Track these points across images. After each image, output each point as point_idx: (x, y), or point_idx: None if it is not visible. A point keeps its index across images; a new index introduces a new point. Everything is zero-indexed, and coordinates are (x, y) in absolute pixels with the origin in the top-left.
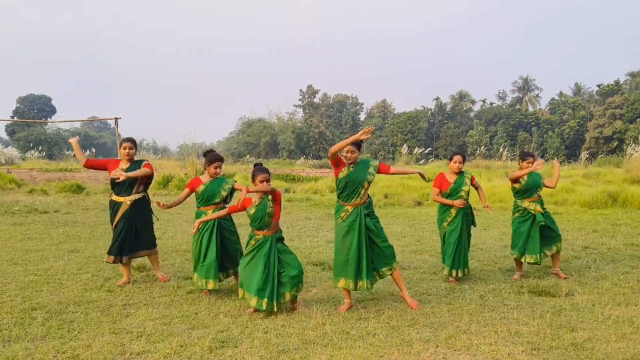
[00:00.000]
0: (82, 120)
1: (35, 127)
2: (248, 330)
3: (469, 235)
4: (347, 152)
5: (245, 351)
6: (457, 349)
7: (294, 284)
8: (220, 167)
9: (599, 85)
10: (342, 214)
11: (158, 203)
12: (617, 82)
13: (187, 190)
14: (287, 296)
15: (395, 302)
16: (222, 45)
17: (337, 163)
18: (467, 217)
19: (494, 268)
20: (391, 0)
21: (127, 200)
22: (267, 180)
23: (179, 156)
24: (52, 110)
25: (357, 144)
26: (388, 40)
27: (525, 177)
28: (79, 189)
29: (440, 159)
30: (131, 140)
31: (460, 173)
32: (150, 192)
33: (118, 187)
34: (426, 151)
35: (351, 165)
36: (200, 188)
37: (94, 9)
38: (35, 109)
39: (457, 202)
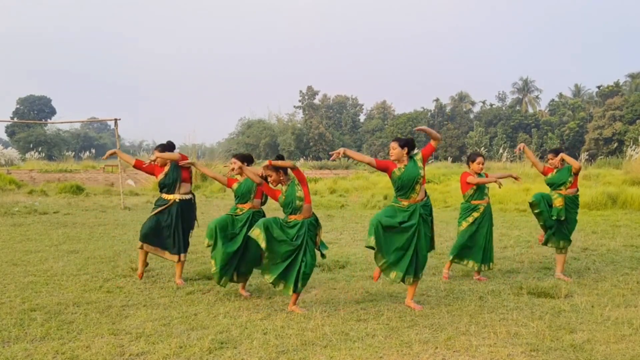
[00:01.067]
0: (82, 122)
1: (35, 128)
2: (247, 332)
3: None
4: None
5: (245, 352)
6: (456, 350)
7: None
8: (234, 164)
9: (598, 87)
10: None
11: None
12: (616, 84)
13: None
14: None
15: (395, 303)
16: (222, 45)
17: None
18: (491, 213)
19: (493, 269)
20: (391, 0)
21: (176, 198)
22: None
23: None
24: (52, 111)
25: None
26: (388, 40)
27: (554, 172)
28: (78, 190)
29: (440, 160)
30: (157, 147)
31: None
32: (150, 193)
33: (167, 187)
34: None
35: (402, 166)
36: (235, 185)
37: (93, 10)
38: (35, 110)
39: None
